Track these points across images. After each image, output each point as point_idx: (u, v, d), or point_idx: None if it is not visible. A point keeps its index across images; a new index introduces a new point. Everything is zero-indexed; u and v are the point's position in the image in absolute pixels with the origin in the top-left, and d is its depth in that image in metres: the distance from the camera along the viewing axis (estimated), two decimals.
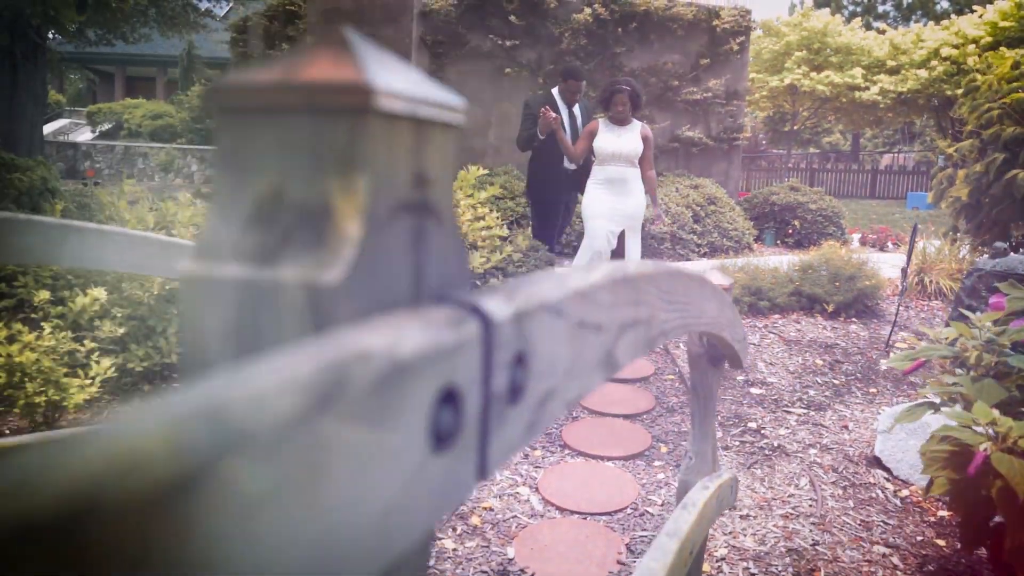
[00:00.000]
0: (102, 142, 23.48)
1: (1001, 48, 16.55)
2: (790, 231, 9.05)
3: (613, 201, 4.93)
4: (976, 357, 2.20)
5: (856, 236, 10.15)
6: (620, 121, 4.93)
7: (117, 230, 1.41)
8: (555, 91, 5.51)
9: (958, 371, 2.38)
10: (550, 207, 5.49)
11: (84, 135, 26.40)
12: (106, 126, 25.76)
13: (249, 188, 0.37)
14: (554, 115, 4.90)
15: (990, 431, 1.97)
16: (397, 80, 0.36)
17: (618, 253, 5.22)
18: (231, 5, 27.45)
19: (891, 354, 4.88)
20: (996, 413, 1.96)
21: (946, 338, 2.58)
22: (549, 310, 0.46)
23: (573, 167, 5.30)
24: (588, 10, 8.63)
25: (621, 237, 5.09)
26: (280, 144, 0.36)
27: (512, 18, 8.37)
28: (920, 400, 2.44)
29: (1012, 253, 3.49)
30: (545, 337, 0.45)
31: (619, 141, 4.89)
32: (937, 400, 2.43)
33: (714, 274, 2.00)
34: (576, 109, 5.49)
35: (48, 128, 24.22)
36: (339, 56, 0.36)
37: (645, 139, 4.98)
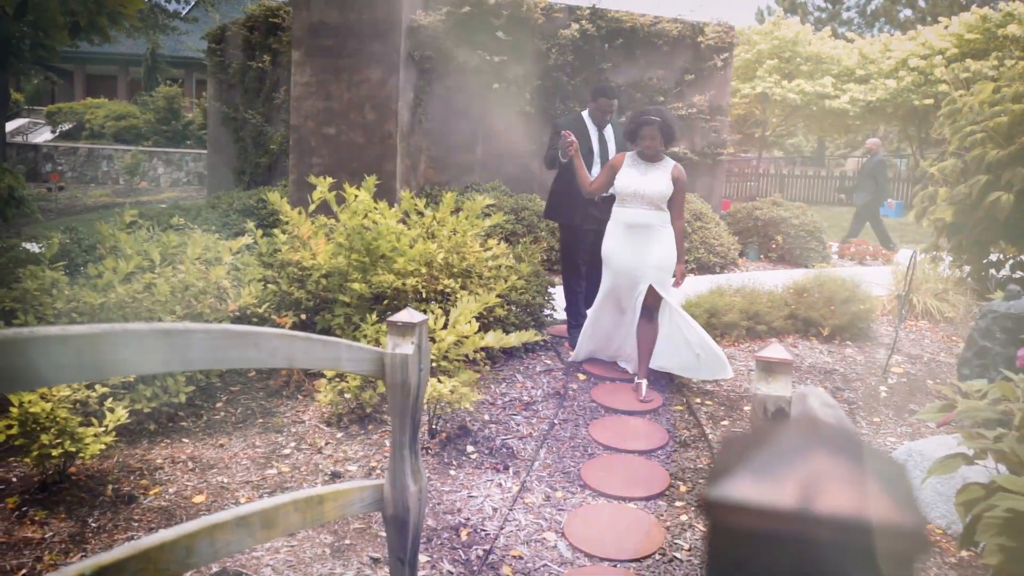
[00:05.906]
0: (64, 144, 22.87)
1: (967, 60, 16.99)
2: (773, 246, 9.17)
3: (635, 251, 4.31)
4: (1021, 419, 2.25)
5: (834, 248, 10.30)
6: (649, 157, 4.31)
7: (144, 328, 1.30)
8: (585, 113, 5.10)
9: (1000, 428, 2.42)
10: (568, 233, 5.11)
11: (43, 135, 25.67)
12: (67, 126, 25.07)
13: None
14: (571, 140, 4.48)
15: None
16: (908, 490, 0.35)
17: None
18: (193, 2, 26.94)
19: (888, 380, 4.97)
20: None
21: (977, 390, 2.63)
22: None
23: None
24: (575, 26, 8.65)
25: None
26: (794, 564, 0.35)
27: (500, 34, 8.36)
28: (954, 451, 2.49)
29: (1012, 284, 3.58)
30: None
31: (643, 180, 4.26)
32: (970, 452, 2.48)
33: (777, 348, 2.01)
34: (607, 132, 5.08)
35: (6, 128, 23.52)
36: (855, 484, 0.35)
37: (677, 181, 4.30)
